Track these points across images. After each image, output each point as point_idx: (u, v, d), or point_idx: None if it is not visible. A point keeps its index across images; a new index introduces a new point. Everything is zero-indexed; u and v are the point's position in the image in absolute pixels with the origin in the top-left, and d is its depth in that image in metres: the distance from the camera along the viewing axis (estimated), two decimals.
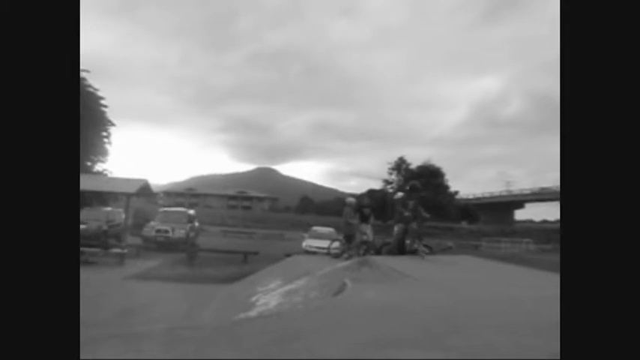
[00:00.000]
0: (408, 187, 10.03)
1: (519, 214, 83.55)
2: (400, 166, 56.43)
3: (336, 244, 12.22)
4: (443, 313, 3.82)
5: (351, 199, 11.84)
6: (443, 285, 5.59)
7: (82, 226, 11.79)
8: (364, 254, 10.18)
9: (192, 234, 19.00)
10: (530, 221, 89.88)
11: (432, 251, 12.40)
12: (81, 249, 10.73)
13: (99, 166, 21.25)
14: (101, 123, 20.83)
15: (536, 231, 62.94)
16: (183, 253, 14.44)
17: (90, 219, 15.22)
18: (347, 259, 9.88)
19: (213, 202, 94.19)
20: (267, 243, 27.84)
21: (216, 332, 3.22)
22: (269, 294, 7.08)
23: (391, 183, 56.15)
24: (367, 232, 10.94)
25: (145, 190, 19.05)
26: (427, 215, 10.15)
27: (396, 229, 9.97)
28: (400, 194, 12.10)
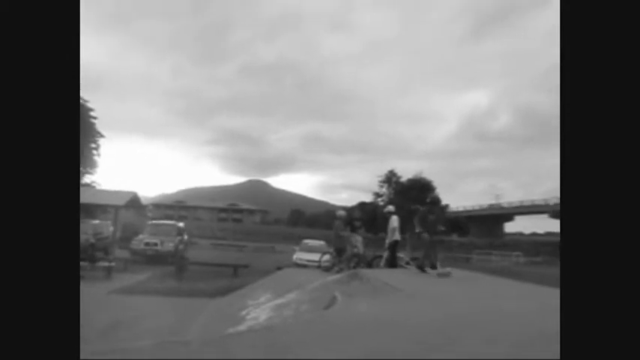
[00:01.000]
0: (428, 200, 9.71)
1: (509, 227, 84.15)
2: (391, 179, 56.64)
3: (327, 257, 12.18)
4: (435, 326, 3.80)
5: (341, 212, 11.83)
6: (435, 298, 5.58)
7: None
8: (355, 267, 10.15)
9: (181, 247, 18.79)
10: (520, 234, 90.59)
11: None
12: None
13: (87, 178, 21.07)
14: (90, 134, 20.70)
15: (525, 243, 63.34)
16: (172, 266, 14.25)
17: None
18: (338, 272, 9.84)
19: (203, 214, 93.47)
20: (257, 256, 27.64)
21: (205, 347, 3.17)
22: (259, 308, 7.00)
23: (382, 196, 56.25)
24: (358, 244, 10.92)
25: (133, 203, 18.87)
26: (443, 228, 9.86)
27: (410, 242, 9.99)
28: (391, 207, 12.14)
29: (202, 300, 9.11)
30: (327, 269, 11.03)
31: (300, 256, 16.76)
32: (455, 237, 63.57)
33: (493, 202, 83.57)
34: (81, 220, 18.10)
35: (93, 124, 20.62)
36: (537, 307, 5.13)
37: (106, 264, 12.67)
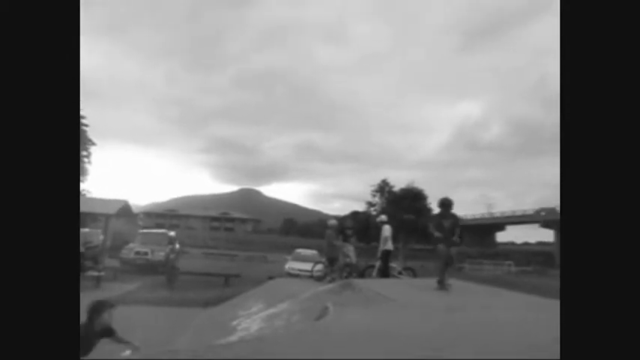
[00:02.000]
0: (439, 204, 7.83)
1: (500, 236, 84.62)
2: (383, 188, 56.80)
3: (319, 266, 12.13)
4: (426, 337, 3.78)
5: (333, 221, 11.81)
6: (427, 308, 5.56)
7: None
8: (347, 277, 10.11)
9: (172, 256, 18.62)
10: (512, 243, 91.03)
11: (414, 274, 12.42)
12: None
13: None
14: (81, 142, 20.53)
15: (517, 253, 63.65)
16: (162, 275, 14.11)
17: None
18: (330, 282, 9.79)
19: (194, 223, 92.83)
20: (249, 265, 27.46)
21: (195, 357, 3.13)
22: (250, 318, 6.94)
23: (374, 205, 56.35)
24: (350, 254, 10.90)
25: (124, 211, 18.68)
26: (458, 239, 8.22)
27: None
28: (383, 217, 12.14)
29: (193, 310, 9.02)
30: (320, 279, 10.99)
31: (292, 265, 16.67)
32: None
33: (485, 211, 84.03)
34: None
35: (84, 132, 20.50)
36: (526, 317, 5.14)
37: (95, 273, 12.51)
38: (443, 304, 6.08)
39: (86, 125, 20.73)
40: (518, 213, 77.08)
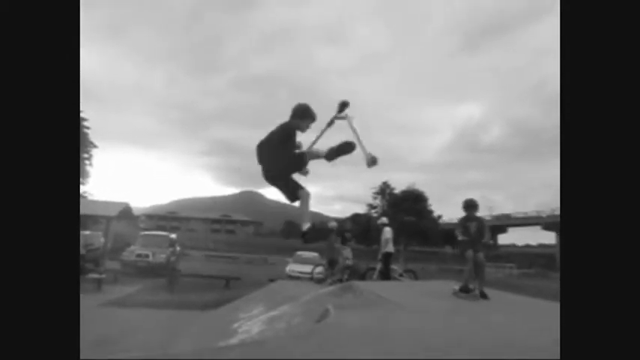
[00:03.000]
0: (463, 206, 7.30)
1: (502, 239, 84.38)
2: (384, 190, 56.72)
3: (320, 268, 12.13)
4: (427, 339, 3.77)
5: (333, 224, 11.82)
6: (428, 311, 5.55)
7: None
8: (348, 279, 10.10)
9: (173, 258, 18.61)
10: (514, 245, 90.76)
11: (415, 277, 12.40)
12: None
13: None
14: (83, 144, 20.58)
15: (519, 255, 63.49)
16: (163, 278, 14.10)
17: None
18: (331, 284, 9.78)
19: (196, 225, 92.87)
20: (250, 268, 27.44)
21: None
22: (251, 320, 6.92)
23: (375, 207, 56.27)
24: (348, 256, 10.93)
25: (125, 214, 18.71)
26: (490, 241, 7.91)
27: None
28: (384, 219, 12.13)
29: (194, 312, 9.00)
30: (320, 281, 10.98)
31: (293, 268, 16.67)
32: (448, 249, 63.59)
33: (486, 213, 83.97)
34: None
35: (86, 134, 20.54)
36: (532, 320, 5.13)
37: (96, 276, 12.50)
38: (444, 307, 6.06)
39: (87, 128, 20.79)
40: (520, 215, 76.96)
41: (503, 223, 78.50)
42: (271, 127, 3.72)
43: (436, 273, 30.45)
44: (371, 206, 57.05)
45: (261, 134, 3.74)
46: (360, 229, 52.96)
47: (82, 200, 18.86)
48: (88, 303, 9.66)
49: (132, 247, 18.45)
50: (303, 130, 3.98)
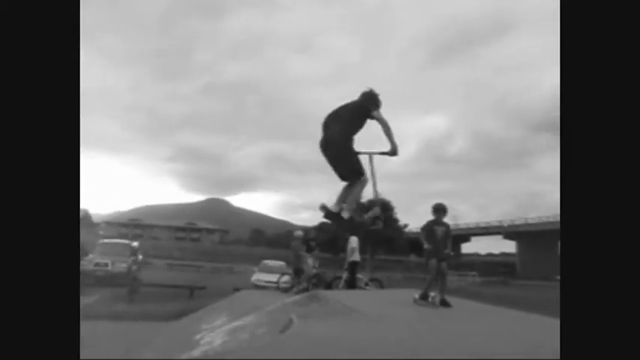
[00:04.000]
0: (433, 209, 6.90)
1: (466, 247, 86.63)
2: None
3: (286, 277, 12.05)
4: (390, 348, 3.80)
5: (299, 232, 11.80)
6: (392, 320, 5.59)
7: None
8: (314, 288, 10.07)
9: (134, 267, 18.05)
10: (477, 254, 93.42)
11: (381, 286, 12.49)
12: None
13: None
14: None
15: (482, 264, 65.26)
16: (123, 288, 13.63)
17: None
18: (296, 293, 9.72)
19: (159, 233, 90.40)
20: (215, 277, 26.96)
21: None
22: (214, 331, 6.77)
23: None
24: (314, 264, 10.94)
25: (84, 220, 18.02)
26: (452, 253, 7.32)
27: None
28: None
29: (154, 324, 8.72)
30: (286, 290, 10.89)
31: (258, 277, 16.49)
32: (413, 257, 64.56)
33: (451, 222, 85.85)
34: None
35: None
36: (493, 327, 5.25)
37: None
38: (408, 315, 6.13)
39: None
40: (483, 224, 79.24)
41: (467, 233, 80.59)
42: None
43: (402, 281, 30.85)
44: None
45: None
46: (327, 237, 53.05)
47: None
48: None
49: (90, 256, 17.77)
50: (371, 117, 4.07)
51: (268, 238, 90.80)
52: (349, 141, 3.79)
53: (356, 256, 11.03)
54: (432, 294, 6.80)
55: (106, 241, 22.11)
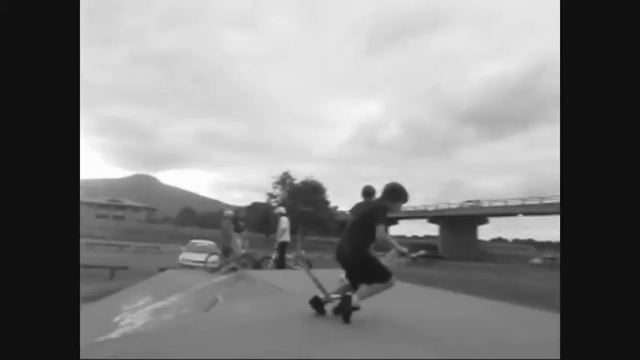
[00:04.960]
0: (363, 192, 5.95)
1: (393, 230, 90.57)
2: (285, 180, 57.23)
3: (214, 257, 11.89)
4: (308, 325, 3.91)
5: (229, 212, 11.63)
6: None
7: None
8: (243, 268, 10.05)
9: None
10: (403, 236, 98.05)
11: (310, 265, 12.74)
12: None
13: None
14: None
15: (407, 245, 68.22)
16: None
17: None
18: (224, 273, 9.64)
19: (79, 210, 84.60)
20: (140, 257, 25.92)
21: None
22: (136, 312, 6.55)
23: (275, 197, 56.54)
24: (244, 244, 10.91)
25: None
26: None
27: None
28: (281, 209, 12.24)
29: None
30: (214, 270, 10.76)
31: (186, 256, 16.09)
32: None
33: None
34: None
35: None
36: (412, 305, 5.58)
37: None
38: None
39: None
40: (410, 208, 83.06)
41: (394, 216, 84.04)
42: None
43: (331, 262, 31.60)
44: (271, 195, 57.21)
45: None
46: (259, 217, 52.82)
47: None
48: None
49: None
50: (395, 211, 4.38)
51: (198, 217, 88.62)
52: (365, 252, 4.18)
53: (286, 237, 11.12)
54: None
55: None
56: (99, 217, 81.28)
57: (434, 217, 78.46)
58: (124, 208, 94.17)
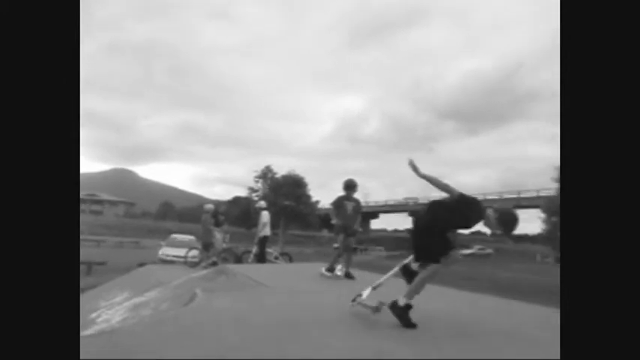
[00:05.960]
0: (344, 185, 7.07)
1: (374, 224, 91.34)
2: (266, 174, 56.91)
3: (194, 252, 11.81)
4: (287, 319, 3.94)
5: (209, 206, 11.54)
6: (296, 293, 5.77)
7: None
8: (224, 263, 10.00)
9: None
10: (384, 230, 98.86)
11: (290, 260, 12.77)
12: None
13: None
14: None
15: (388, 239, 69.21)
16: None
17: None
18: (204, 267, 9.59)
19: None
20: (118, 252, 25.54)
21: None
22: (113, 308, 6.47)
23: (257, 191, 56.22)
24: (224, 239, 10.89)
25: None
26: (360, 228, 7.60)
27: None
28: (262, 203, 12.22)
29: None
30: (194, 265, 10.68)
31: (166, 251, 15.93)
32: (325, 232, 66.60)
33: (362, 200, 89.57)
34: None
35: None
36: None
37: None
38: (313, 287, 6.37)
39: None
40: (391, 202, 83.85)
41: (376, 210, 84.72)
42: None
43: (312, 256, 31.72)
44: (252, 189, 56.88)
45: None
46: (240, 212, 52.54)
47: None
48: None
49: None
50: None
51: (178, 211, 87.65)
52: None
53: (266, 231, 11.11)
54: (338, 267, 7.19)
55: None
56: None
57: (415, 210, 79.44)
58: (101, 202, 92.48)
